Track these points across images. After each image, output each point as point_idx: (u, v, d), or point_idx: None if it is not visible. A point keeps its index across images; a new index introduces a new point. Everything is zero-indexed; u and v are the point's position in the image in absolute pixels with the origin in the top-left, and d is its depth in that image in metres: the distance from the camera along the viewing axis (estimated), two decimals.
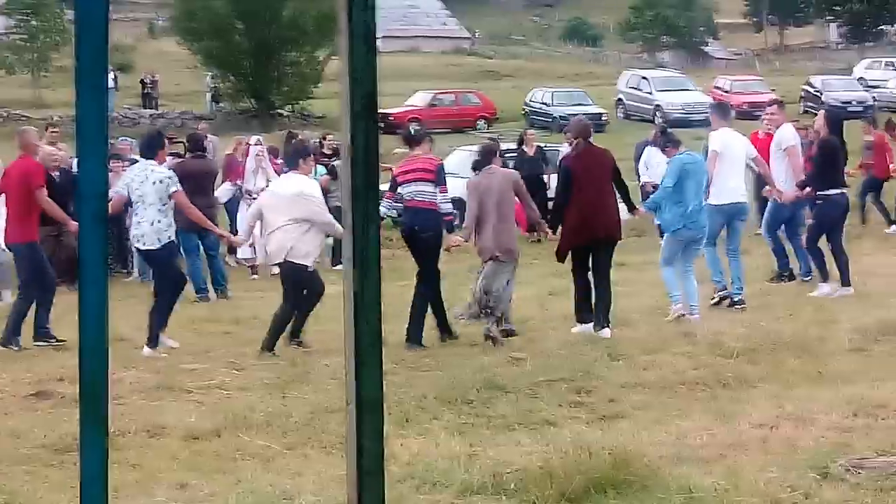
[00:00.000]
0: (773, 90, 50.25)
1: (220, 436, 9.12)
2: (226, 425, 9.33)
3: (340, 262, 15.08)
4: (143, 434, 9.21)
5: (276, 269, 13.65)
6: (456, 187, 16.57)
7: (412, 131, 14.77)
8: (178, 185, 12.90)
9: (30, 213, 13.36)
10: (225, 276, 17.84)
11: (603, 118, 47.40)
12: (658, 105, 50.64)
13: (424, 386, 10.55)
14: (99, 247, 1.90)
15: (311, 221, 12.52)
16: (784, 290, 15.85)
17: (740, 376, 10.61)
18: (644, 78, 55.57)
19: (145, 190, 12.73)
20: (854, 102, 49.22)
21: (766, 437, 8.33)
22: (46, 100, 54.79)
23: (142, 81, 58.90)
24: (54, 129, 19.27)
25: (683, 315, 13.60)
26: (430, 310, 13.06)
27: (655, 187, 17.02)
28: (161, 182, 12.74)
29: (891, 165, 22.66)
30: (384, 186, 23.28)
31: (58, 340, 12.95)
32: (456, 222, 15.80)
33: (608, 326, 12.90)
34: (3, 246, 15.38)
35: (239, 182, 20.16)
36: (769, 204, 16.59)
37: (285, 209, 12.52)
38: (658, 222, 15.90)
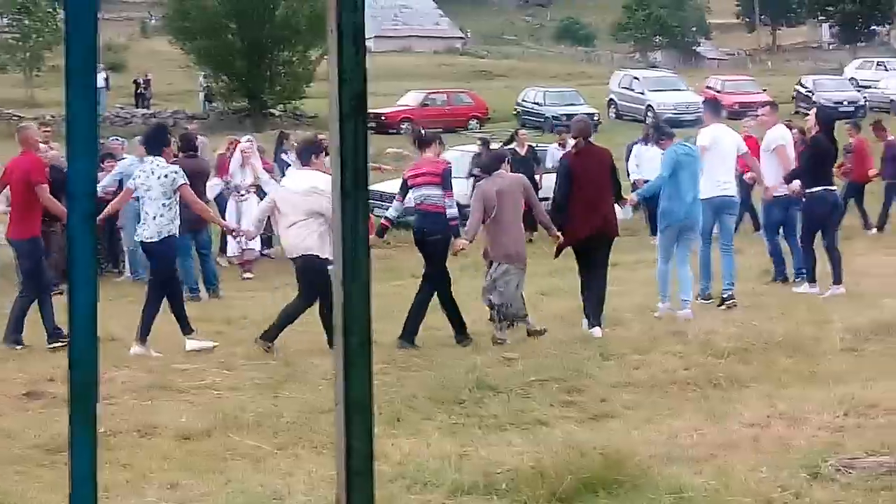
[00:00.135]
0: (764, 90, 50.43)
1: (211, 436, 9.12)
2: (217, 425, 9.33)
3: None
4: (135, 434, 9.21)
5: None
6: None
7: (422, 133, 14.77)
8: (185, 178, 12.96)
9: (31, 208, 13.35)
10: (216, 275, 17.84)
11: (595, 118, 47.43)
12: (650, 105, 50.72)
13: (416, 386, 10.56)
14: (89, 246, 1.90)
15: (326, 216, 12.53)
16: (776, 289, 15.87)
17: (732, 376, 10.61)
18: (636, 78, 55.68)
19: (150, 184, 12.77)
20: (845, 102, 49.37)
21: (758, 437, 8.34)
22: (39, 99, 54.74)
23: (135, 82, 58.85)
24: (46, 129, 19.28)
25: (673, 311, 13.72)
26: (444, 313, 13.08)
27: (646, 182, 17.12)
28: (167, 177, 12.76)
29: (870, 171, 22.71)
30: (382, 187, 23.35)
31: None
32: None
33: (599, 326, 12.93)
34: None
35: (226, 178, 20.15)
36: (762, 205, 16.65)
37: (299, 205, 12.56)
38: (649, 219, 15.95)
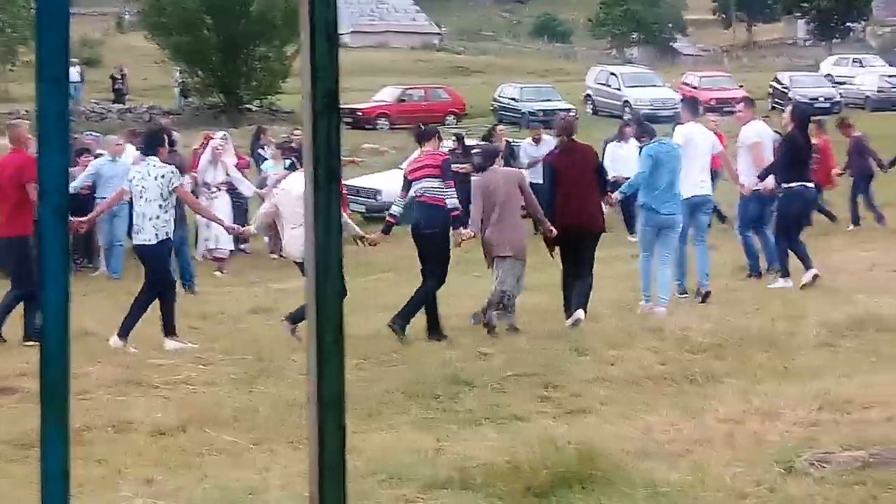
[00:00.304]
0: (741, 86, 50.47)
1: (187, 431, 9.09)
2: (192, 420, 9.30)
3: None
4: (109, 429, 9.18)
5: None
6: None
7: (422, 128, 14.86)
8: (181, 179, 12.94)
9: (22, 206, 13.29)
10: (192, 271, 17.79)
11: (572, 114, 47.42)
12: (626, 101, 50.80)
13: (391, 380, 10.55)
14: (60, 243, 1.89)
15: None
16: (751, 285, 15.93)
17: (707, 371, 10.63)
18: (613, 74, 55.77)
19: (146, 185, 12.72)
20: (821, 99, 49.60)
21: (733, 432, 8.35)
22: (13, 94, 54.46)
23: (112, 77, 58.56)
24: None
25: (653, 308, 13.77)
26: (424, 309, 13.04)
27: (626, 180, 17.16)
28: (163, 177, 12.72)
29: (833, 170, 22.19)
30: (360, 182, 23.36)
31: None
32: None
33: (583, 310, 12.97)
34: None
35: (193, 173, 20.09)
36: (738, 201, 16.71)
37: (299, 206, 12.54)
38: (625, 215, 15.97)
